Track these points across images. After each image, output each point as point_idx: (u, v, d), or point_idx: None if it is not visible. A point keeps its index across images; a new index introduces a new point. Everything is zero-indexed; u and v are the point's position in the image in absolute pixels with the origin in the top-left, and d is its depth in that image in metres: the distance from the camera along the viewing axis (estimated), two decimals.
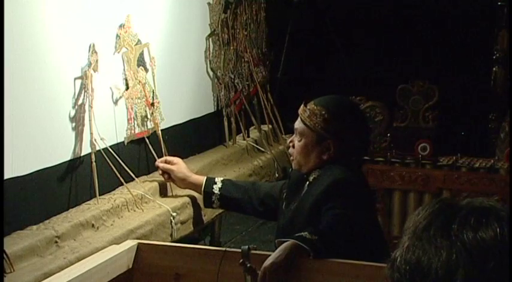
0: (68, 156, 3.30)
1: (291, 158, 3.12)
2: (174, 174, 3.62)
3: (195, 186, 3.63)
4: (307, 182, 2.94)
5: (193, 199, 3.75)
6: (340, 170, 2.87)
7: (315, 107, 2.96)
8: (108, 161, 3.44)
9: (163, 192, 3.77)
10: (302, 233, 2.67)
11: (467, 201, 1.25)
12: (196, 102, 4.55)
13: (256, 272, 2.55)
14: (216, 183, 3.58)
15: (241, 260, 2.57)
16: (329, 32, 6.36)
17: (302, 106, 3.06)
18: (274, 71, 5.55)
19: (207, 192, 3.57)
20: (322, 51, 6.47)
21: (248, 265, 2.55)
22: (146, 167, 3.90)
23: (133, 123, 3.73)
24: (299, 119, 3.06)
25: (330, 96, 3.08)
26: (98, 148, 3.38)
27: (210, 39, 4.63)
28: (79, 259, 2.81)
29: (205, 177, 3.64)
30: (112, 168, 3.45)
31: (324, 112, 2.92)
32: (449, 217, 1.22)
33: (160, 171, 3.66)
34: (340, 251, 2.64)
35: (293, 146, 3.08)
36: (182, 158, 4.31)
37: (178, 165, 3.65)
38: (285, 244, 2.62)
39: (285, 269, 2.56)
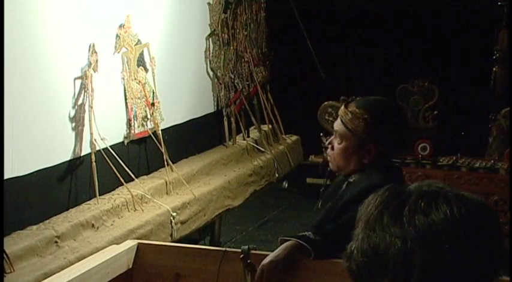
0: (68, 156, 3.30)
1: (329, 158, 3.00)
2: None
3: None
4: (346, 183, 2.88)
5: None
6: (378, 175, 2.78)
7: (357, 110, 2.80)
8: (108, 161, 3.44)
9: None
10: (306, 233, 2.65)
11: (415, 186, 1.26)
12: (196, 102, 4.56)
13: (256, 268, 2.54)
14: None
15: (241, 256, 2.56)
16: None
17: (343, 108, 2.87)
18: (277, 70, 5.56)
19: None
20: (321, 51, 6.48)
21: (248, 261, 2.54)
22: (146, 167, 3.90)
23: (133, 123, 3.73)
24: (339, 120, 2.87)
25: (373, 98, 2.94)
26: (98, 148, 3.38)
27: (210, 39, 4.63)
28: (79, 259, 2.81)
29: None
30: (112, 168, 3.45)
31: (366, 116, 2.78)
32: (400, 204, 1.22)
33: None
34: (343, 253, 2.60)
35: (332, 148, 2.96)
36: (182, 158, 4.32)
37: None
38: (286, 243, 2.61)
39: (283, 268, 2.55)
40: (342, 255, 1.29)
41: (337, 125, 2.91)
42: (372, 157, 2.81)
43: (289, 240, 2.63)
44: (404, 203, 1.22)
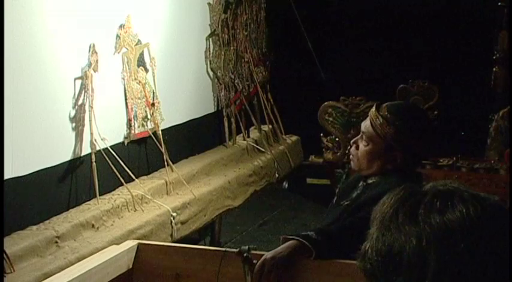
0: (68, 156, 3.30)
1: (351, 157, 2.98)
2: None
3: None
4: (364, 184, 2.85)
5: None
6: (397, 181, 2.74)
7: (389, 115, 2.77)
8: (108, 161, 3.44)
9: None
10: (308, 232, 2.64)
11: (430, 186, 1.25)
12: (196, 102, 4.56)
13: (253, 261, 2.53)
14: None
15: (237, 250, 2.55)
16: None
17: (374, 110, 2.83)
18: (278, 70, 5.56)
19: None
20: (321, 50, 6.48)
21: (245, 254, 2.53)
22: (146, 167, 3.90)
23: (133, 124, 3.73)
24: (369, 122, 2.84)
25: (405, 104, 2.89)
26: (98, 148, 3.38)
27: (210, 40, 4.63)
28: (79, 259, 2.81)
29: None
30: (112, 168, 3.45)
31: (397, 123, 2.75)
32: (415, 203, 1.22)
33: None
34: (345, 254, 2.60)
35: (356, 147, 2.91)
36: (182, 158, 4.31)
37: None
38: (288, 242, 2.61)
39: (284, 266, 2.55)
40: (356, 255, 1.29)
41: (366, 127, 2.86)
42: (396, 164, 2.79)
43: (291, 239, 2.63)
44: (420, 202, 1.21)
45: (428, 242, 1.16)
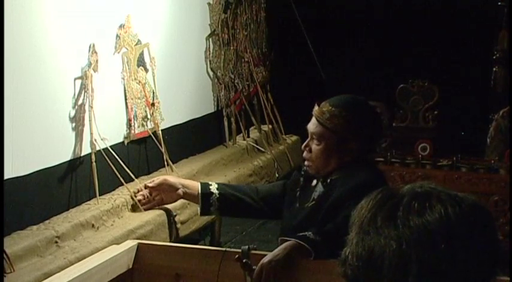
0: (68, 156, 3.30)
1: (307, 162, 2.96)
2: (168, 183, 3.36)
3: (189, 193, 3.34)
4: (325, 182, 2.85)
5: None
6: (365, 172, 2.76)
7: (333, 109, 2.83)
8: (108, 161, 3.43)
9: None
10: (306, 233, 2.65)
11: (408, 188, 1.25)
12: (196, 102, 4.56)
13: (252, 267, 2.54)
14: (211, 185, 3.31)
15: (236, 256, 2.55)
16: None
17: (317, 108, 2.89)
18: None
19: (205, 194, 3.26)
20: (321, 50, 6.47)
21: (244, 260, 2.53)
22: (146, 167, 3.90)
23: (133, 123, 3.73)
24: (315, 122, 2.87)
25: (343, 96, 2.93)
26: (98, 148, 3.38)
27: (210, 39, 4.63)
28: (79, 259, 2.81)
29: (199, 182, 3.37)
30: (112, 168, 3.45)
31: (344, 113, 2.81)
32: (393, 205, 1.21)
33: (145, 198, 3.42)
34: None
35: (309, 150, 2.92)
36: (182, 158, 4.31)
37: (166, 176, 3.41)
38: (286, 243, 2.61)
39: (283, 268, 2.56)
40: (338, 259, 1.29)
41: (314, 126, 2.89)
42: (353, 154, 2.82)
43: (289, 240, 2.64)
44: (398, 205, 1.21)
45: (408, 245, 1.16)
